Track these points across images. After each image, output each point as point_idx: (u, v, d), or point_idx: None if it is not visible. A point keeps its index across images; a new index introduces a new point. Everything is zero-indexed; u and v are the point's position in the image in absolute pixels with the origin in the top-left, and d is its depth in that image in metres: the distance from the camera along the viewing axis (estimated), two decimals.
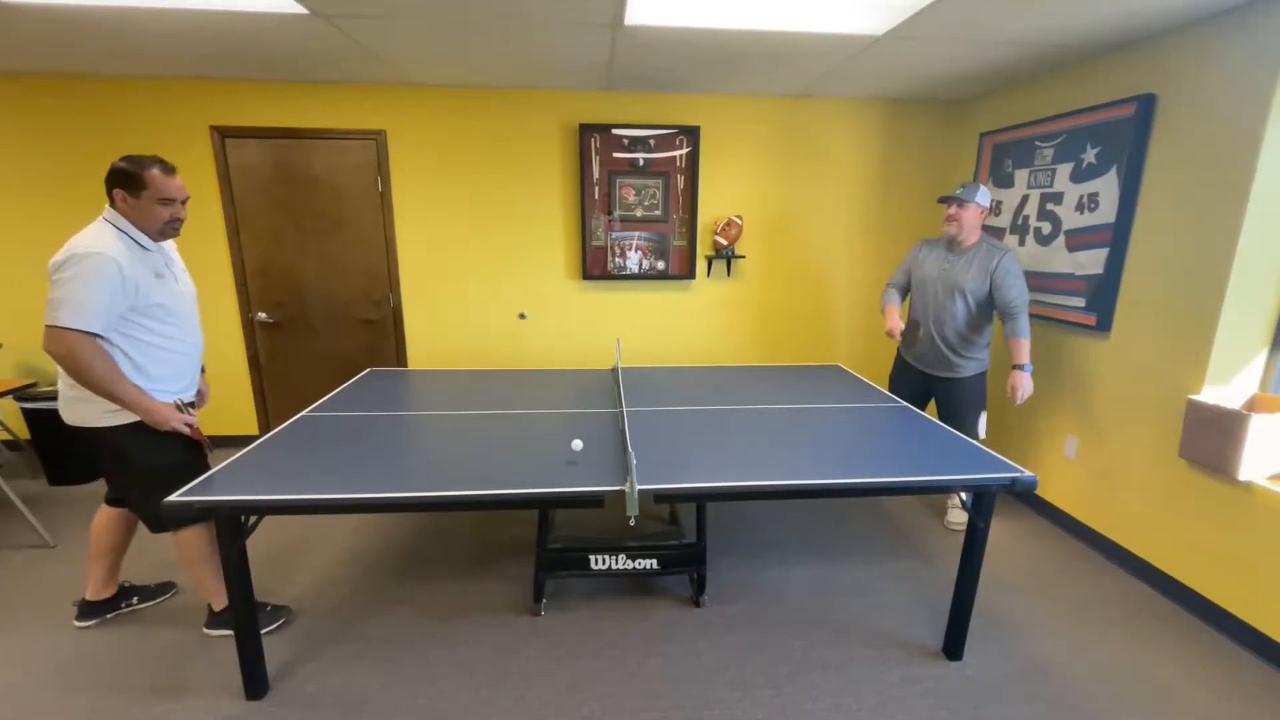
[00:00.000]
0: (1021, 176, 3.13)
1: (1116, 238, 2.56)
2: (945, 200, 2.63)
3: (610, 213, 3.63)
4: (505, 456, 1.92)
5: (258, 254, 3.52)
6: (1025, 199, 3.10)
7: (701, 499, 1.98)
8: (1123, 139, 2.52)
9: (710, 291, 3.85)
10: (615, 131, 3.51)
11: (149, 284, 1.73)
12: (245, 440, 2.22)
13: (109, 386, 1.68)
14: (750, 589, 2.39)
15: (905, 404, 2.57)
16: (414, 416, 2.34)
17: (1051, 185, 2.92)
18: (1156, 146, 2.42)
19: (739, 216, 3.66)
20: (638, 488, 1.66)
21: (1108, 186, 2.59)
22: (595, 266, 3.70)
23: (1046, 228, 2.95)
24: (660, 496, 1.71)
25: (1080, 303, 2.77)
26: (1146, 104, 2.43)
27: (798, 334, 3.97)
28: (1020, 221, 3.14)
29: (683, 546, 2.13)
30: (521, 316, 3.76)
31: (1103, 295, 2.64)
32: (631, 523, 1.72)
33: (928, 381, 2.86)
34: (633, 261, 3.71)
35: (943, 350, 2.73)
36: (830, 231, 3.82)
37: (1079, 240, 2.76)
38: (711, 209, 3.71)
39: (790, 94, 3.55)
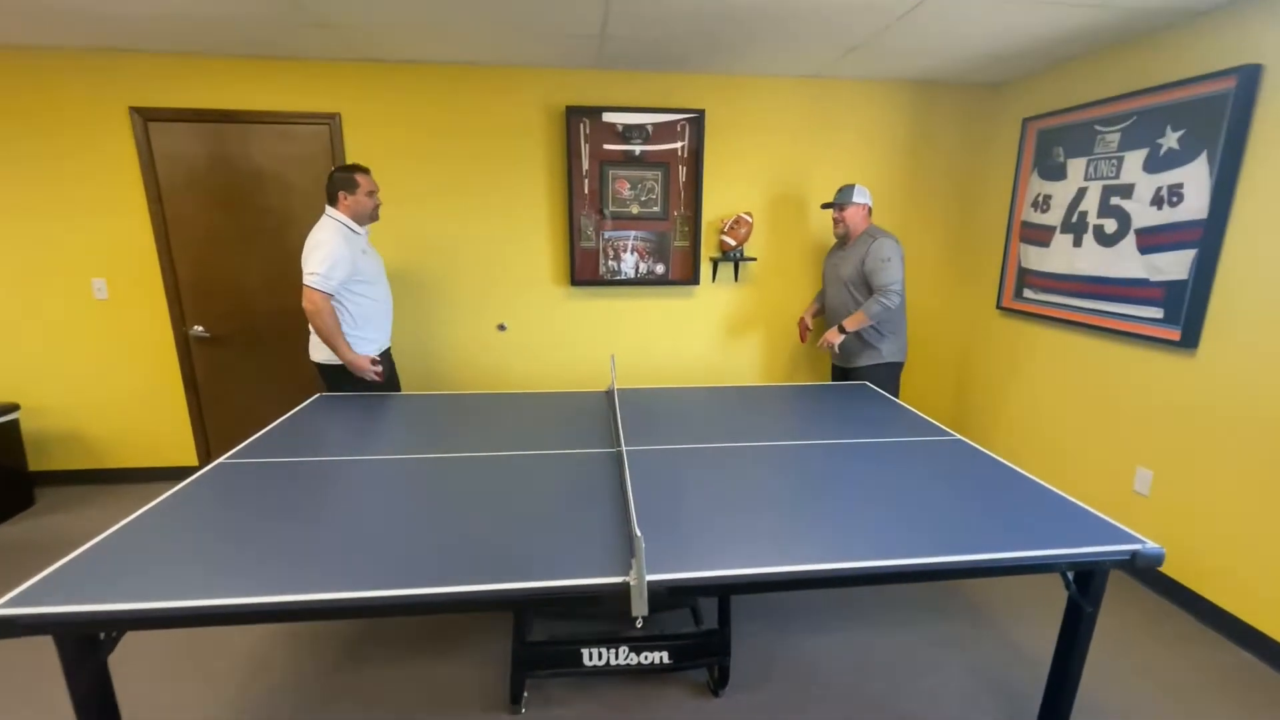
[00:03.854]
0: (1077, 167, 2.72)
1: (1207, 236, 2.15)
2: (828, 206, 2.87)
3: (602, 209, 3.18)
4: (469, 526, 1.47)
5: (191, 258, 3.03)
6: (1082, 192, 2.68)
7: (730, 591, 1.51)
8: (1216, 119, 2.11)
9: (716, 298, 3.41)
10: (607, 116, 3.06)
11: (359, 259, 2.39)
12: (182, 473, 1.79)
13: (332, 334, 2.34)
14: (777, 666, 1.95)
15: (958, 437, 2.14)
16: (356, 464, 1.87)
17: (1117, 176, 2.50)
18: (1261, 127, 2.01)
19: (749, 213, 3.22)
20: (647, 579, 1.22)
21: (1195, 176, 2.19)
22: (585, 270, 3.25)
23: (1111, 225, 2.54)
24: (677, 589, 1.27)
25: (1156, 313, 2.36)
26: (1250, 76, 2.01)
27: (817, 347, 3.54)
28: (1075, 219, 2.72)
29: (701, 635, 1.68)
30: (501, 328, 3.30)
31: (1187, 305, 2.23)
32: (639, 624, 1.28)
33: (846, 376, 2.97)
34: (628, 265, 3.26)
35: (843, 341, 2.85)
36: None
37: (1156, 240, 2.35)
38: (718, 205, 3.27)
39: (808, 75, 3.12)
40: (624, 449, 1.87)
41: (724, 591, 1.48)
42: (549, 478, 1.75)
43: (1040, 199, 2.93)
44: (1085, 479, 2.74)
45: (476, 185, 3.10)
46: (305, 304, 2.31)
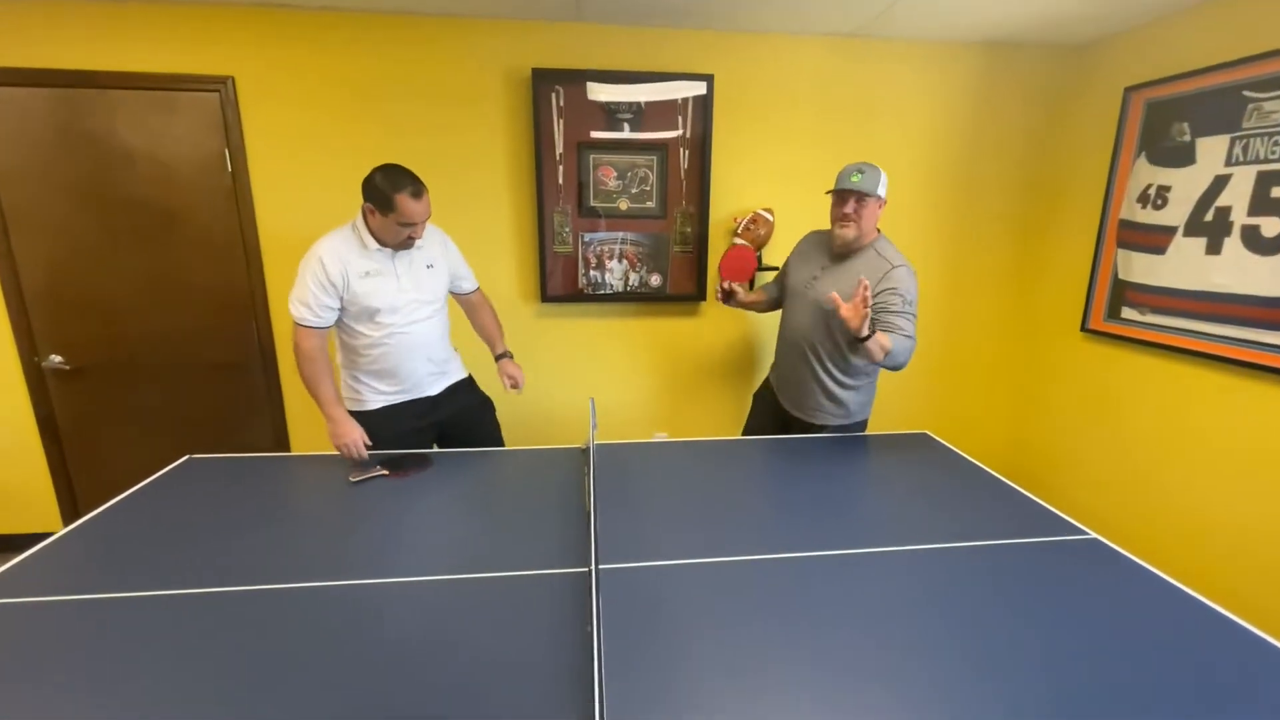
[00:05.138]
0: (1213, 147, 2.04)
1: None
2: (840, 193, 1.84)
3: (581, 205, 2.49)
4: None
5: (41, 266, 2.32)
6: (1222, 181, 2.00)
7: None
8: None
9: (728, 319, 2.72)
10: (589, 84, 2.37)
11: (354, 283, 1.74)
12: (35, 540, 1.27)
13: (310, 385, 1.77)
14: None
15: (1094, 535, 1.45)
16: (182, 603, 1.17)
17: None
18: None
19: (769, 210, 2.53)
20: None
21: None
22: (560, 283, 2.56)
23: (1273, 226, 1.86)
24: None
25: None
26: None
27: None
28: (1210, 217, 2.04)
29: None
30: None
31: None
32: None
33: (787, 421, 2.10)
34: (615, 276, 2.57)
35: (804, 385, 1.99)
36: (897, 229, 2.69)
37: None
38: (729, 199, 2.58)
39: (843, 32, 2.44)
40: (596, 571, 1.16)
41: None
42: (469, 638, 1.05)
43: (1152, 191, 2.25)
44: (1229, 567, 2.06)
45: (418, 171, 2.40)
46: (293, 344, 1.77)
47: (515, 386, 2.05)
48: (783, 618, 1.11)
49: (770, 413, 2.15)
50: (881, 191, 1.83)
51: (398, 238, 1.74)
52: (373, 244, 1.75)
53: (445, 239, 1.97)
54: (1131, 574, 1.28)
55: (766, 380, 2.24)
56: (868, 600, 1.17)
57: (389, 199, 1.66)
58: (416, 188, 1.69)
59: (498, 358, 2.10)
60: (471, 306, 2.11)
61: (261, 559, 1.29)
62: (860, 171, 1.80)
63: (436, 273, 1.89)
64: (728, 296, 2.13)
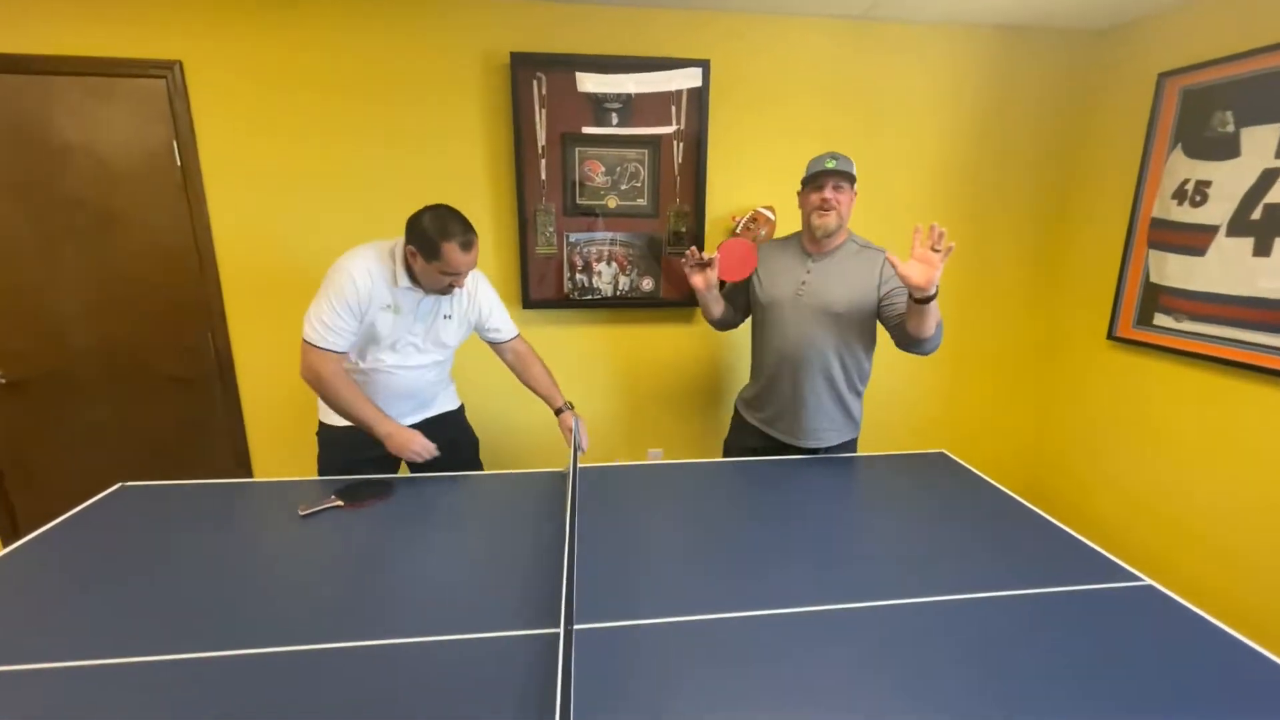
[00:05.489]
0: (1260, 138, 1.85)
1: None
2: (817, 179, 1.66)
3: (567, 202, 2.29)
4: None
5: None
6: (1272, 176, 1.82)
7: None
8: None
9: None
10: (578, 75, 2.17)
11: (377, 315, 1.60)
12: None
13: (347, 409, 1.61)
14: None
15: (1149, 582, 1.26)
16: (80, 677, 0.97)
17: None
18: None
19: (770, 208, 2.34)
20: None
21: None
22: (543, 287, 2.36)
23: None
24: None
25: None
26: None
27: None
28: (1258, 215, 1.86)
29: None
30: None
31: None
32: None
33: (778, 451, 1.86)
34: (604, 279, 2.37)
35: (812, 404, 1.77)
36: (904, 227, 2.51)
37: None
38: (727, 195, 2.39)
39: (850, 14, 2.25)
40: (569, 633, 0.97)
41: None
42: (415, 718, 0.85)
43: (1189, 187, 2.07)
44: (1275, 606, 1.87)
45: (381, 166, 2.20)
46: (301, 369, 1.59)
47: (579, 447, 1.71)
48: (792, 703, 0.92)
49: (748, 439, 1.93)
50: (854, 177, 1.67)
51: (438, 285, 1.60)
52: (404, 281, 1.60)
53: (478, 284, 1.76)
54: (1207, 638, 1.09)
55: (738, 420, 1.99)
56: (892, 669, 0.97)
57: (435, 246, 1.50)
58: (467, 238, 1.53)
59: (557, 412, 1.85)
60: (514, 357, 1.87)
61: (180, 620, 1.09)
62: (833, 158, 1.65)
63: (452, 324, 1.72)
64: (698, 266, 1.76)
